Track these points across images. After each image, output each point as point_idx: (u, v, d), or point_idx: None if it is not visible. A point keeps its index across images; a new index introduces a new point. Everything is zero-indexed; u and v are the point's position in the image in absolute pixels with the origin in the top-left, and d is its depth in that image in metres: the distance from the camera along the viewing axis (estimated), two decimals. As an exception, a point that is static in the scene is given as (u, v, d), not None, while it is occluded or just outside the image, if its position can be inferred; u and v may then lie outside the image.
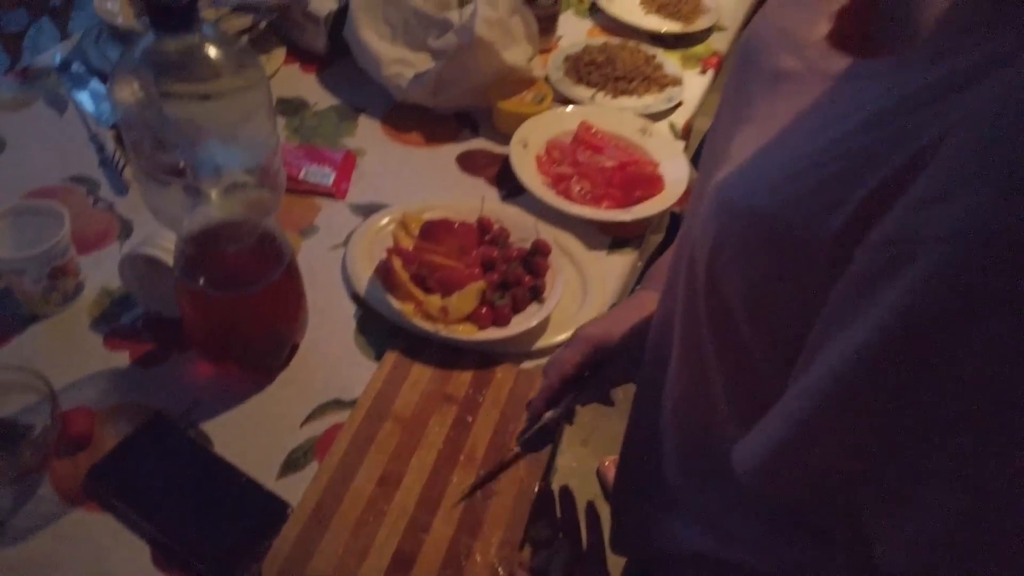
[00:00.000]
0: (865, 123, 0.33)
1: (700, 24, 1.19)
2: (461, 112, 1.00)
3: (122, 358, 0.70)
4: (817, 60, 0.41)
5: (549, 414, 0.63)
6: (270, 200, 0.65)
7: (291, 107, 0.99)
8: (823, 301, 0.34)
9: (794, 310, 0.36)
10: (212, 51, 0.55)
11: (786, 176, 0.36)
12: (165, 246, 0.67)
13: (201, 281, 0.62)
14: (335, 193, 0.88)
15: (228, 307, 0.64)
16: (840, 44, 0.42)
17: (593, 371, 0.62)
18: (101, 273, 0.76)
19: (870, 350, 0.30)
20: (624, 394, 0.64)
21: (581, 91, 1.05)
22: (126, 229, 0.81)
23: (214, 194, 0.63)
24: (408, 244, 0.77)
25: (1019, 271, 0.26)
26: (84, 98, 0.95)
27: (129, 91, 0.58)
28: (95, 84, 0.96)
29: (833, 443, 0.34)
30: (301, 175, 0.87)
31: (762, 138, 0.41)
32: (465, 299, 0.72)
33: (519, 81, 0.98)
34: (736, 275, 0.39)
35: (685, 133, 1.05)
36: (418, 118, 0.99)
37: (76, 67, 0.98)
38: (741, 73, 0.49)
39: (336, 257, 0.81)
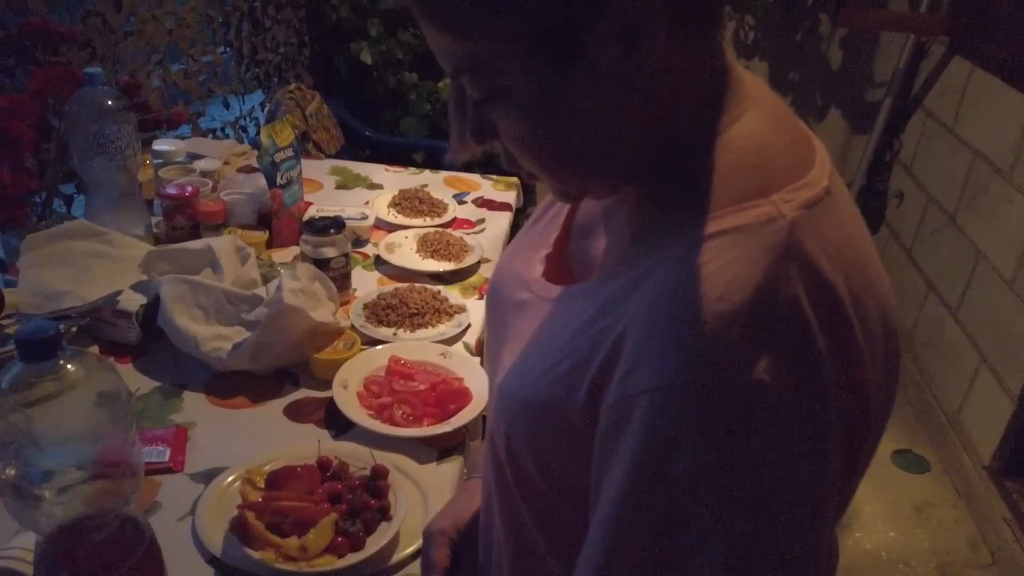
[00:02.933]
0: (579, 329, 0.51)
1: (469, 260, 1.44)
2: (280, 370, 1.11)
3: None
4: (539, 291, 0.61)
5: None
6: (127, 487, 0.70)
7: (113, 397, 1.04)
8: (589, 454, 0.49)
9: (572, 465, 0.51)
10: (69, 366, 0.63)
11: (541, 372, 0.53)
12: (19, 556, 0.69)
13: (65, 577, 0.65)
14: (173, 467, 0.92)
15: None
16: (551, 278, 0.62)
17: (456, 561, 0.72)
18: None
19: (624, 486, 0.45)
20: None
21: (384, 331, 1.21)
22: (-46, 553, 0.79)
23: (48, 494, 0.67)
24: (257, 497, 0.84)
25: (693, 408, 0.43)
26: None
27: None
28: None
29: (634, 558, 0.46)
30: (136, 459, 0.91)
31: (519, 349, 0.58)
32: (321, 533, 0.80)
33: (329, 333, 1.12)
34: (526, 448, 0.54)
35: (478, 349, 1.24)
36: (241, 383, 1.08)
37: None
38: (492, 306, 0.69)
39: (184, 528, 0.85)
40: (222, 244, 1.17)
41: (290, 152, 1.46)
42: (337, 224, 1.27)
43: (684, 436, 0.43)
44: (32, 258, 1.15)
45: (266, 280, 1.17)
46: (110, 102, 1.25)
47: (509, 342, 0.62)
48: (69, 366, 0.63)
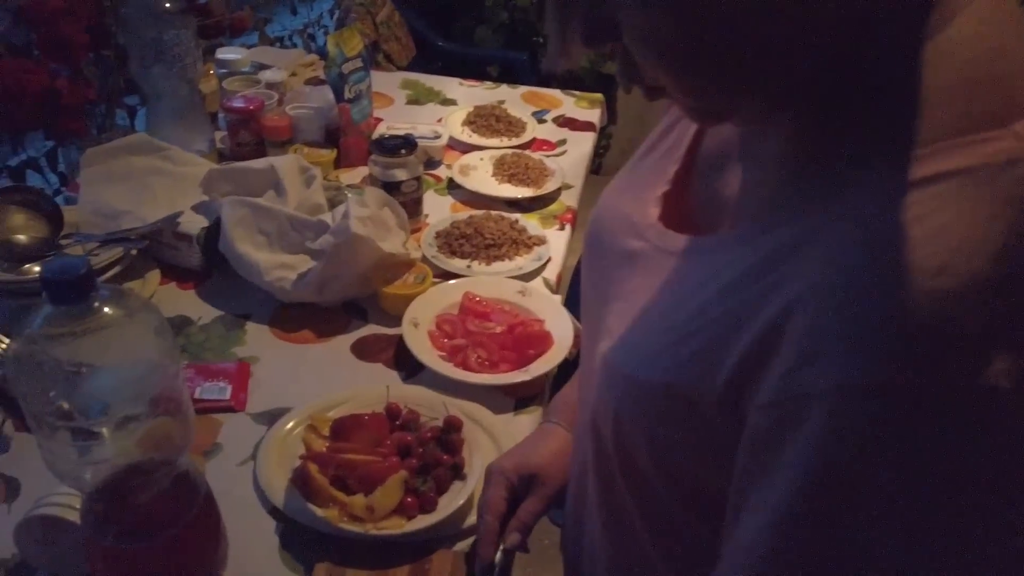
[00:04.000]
0: (719, 293, 0.40)
1: (550, 186, 1.31)
2: (348, 303, 1.03)
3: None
4: (657, 240, 0.49)
5: (499, 556, 0.64)
6: (179, 432, 0.64)
7: (174, 326, 0.98)
8: (723, 454, 0.38)
9: (698, 464, 0.41)
10: (106, 308, 0.56)
11: (665, 345, 0.42)
12: (66, 503, 0.64)
13: (113, 535, 0.59)
14: (234, 406, 0.87)
15: (145, 558, 0.61)
16: (670, 223, 0.49)
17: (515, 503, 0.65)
18: (-12, 545, 0.70)
19: (788, 511, 0.34)
20: (549, 540, 0.65)
21: (457, 263, 1.12)
22: (12, 489, 0.75)
23: (106, 432, 0.61)
24: (321, 447, 0.77)
25: (894, 417, 0.32)
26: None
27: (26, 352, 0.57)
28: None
29: None
30: (196, 394, 0.86)
31: (632, 312, 0.47)
32: (389, 492, 0.72)
33: (399, 265, 1.03)
34: (640, 438, 0.44)
35: (558, 285, 1.13)
36: (306, 315, 1.01)
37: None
38: (594, 255, 0.56)
39: (246, 473, 0.79)
40: (285, 164, 1.08)
41: (359, 63, 1.35)
42: (408, 144, 1.17)
43: (880, 452, 0.32)
44: (92, 174, 1.09)
45: (332, 204, 1.09)
46: (168, 4, 1.16)
47: (616, 301, 0.51)
48: (106, 308, 0.55)
